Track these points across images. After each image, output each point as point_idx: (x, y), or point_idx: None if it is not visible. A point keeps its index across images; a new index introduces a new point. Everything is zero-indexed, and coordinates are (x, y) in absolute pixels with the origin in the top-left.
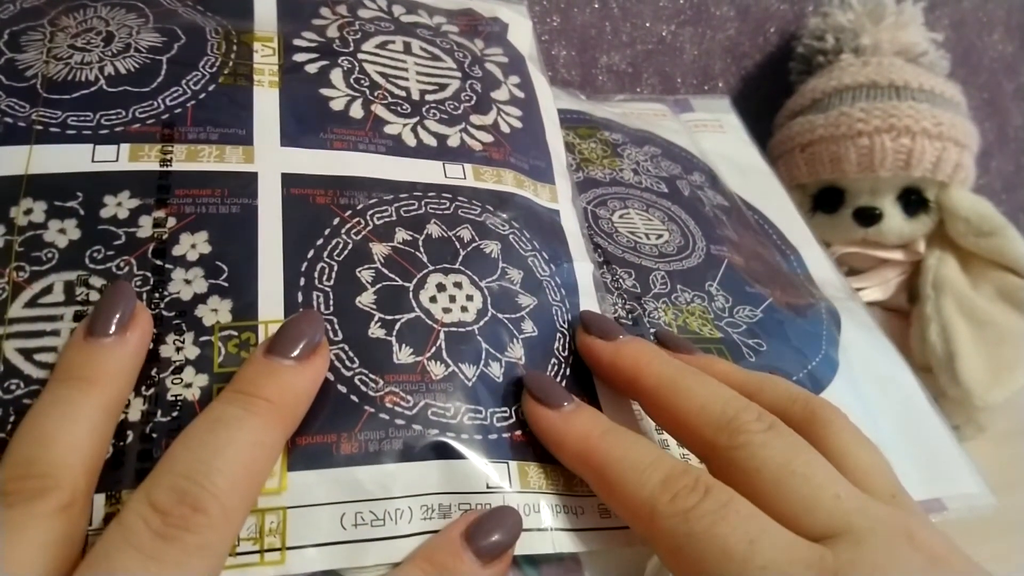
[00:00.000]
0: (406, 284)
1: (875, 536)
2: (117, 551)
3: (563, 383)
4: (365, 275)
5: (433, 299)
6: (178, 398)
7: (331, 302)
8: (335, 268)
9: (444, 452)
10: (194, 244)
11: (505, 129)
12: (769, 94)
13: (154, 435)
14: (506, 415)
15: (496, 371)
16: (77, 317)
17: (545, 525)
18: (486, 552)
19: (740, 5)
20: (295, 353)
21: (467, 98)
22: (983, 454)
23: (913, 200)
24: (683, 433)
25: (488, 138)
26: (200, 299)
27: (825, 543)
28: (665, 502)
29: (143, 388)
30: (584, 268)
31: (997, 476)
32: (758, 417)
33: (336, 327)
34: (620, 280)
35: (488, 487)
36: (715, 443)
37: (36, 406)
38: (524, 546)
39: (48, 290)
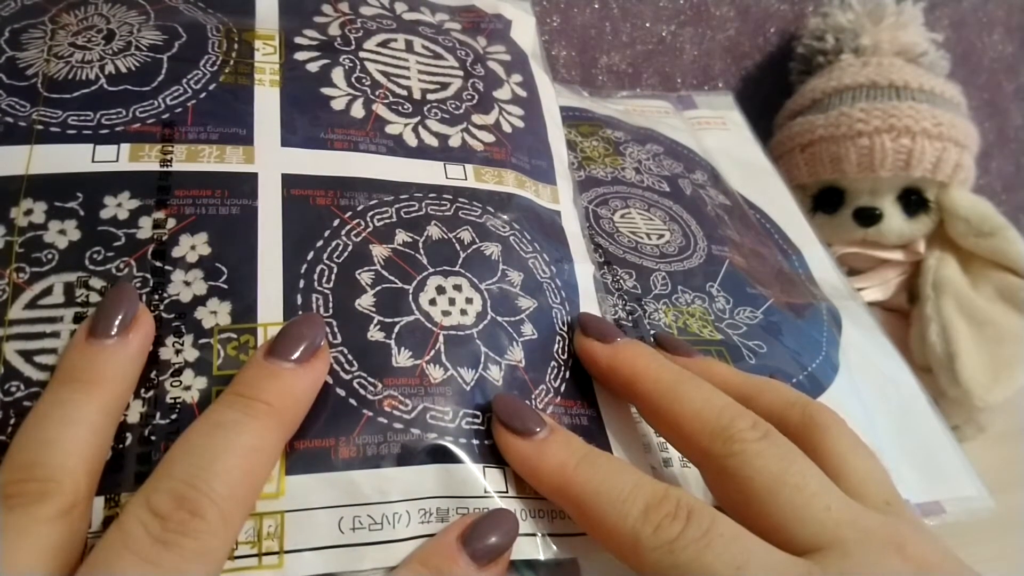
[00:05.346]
0: (406, 286)
1: (864, 548)
2: (116, 556)
3: (563, 386)
4: (365, 277)
5: (432, 302)
6: (177, 401)
7: (330, 305)
8: (335, 270)
9: (442, 456)
10: (194, 246)
11: (507, 129)
12: (769, 94)
13: (153, 438)
14: None
15: (495, 375)
16: (77, 319)
17: (541, 530)
18: (482, 555)
19: (740, 5)
20: (296, 356)
21: (469, 97)
22: (982, 454)
23: (913, 200)
24: (678, 439)
25: (490, 138)
26: (199, 301)
27: (814, 556)
28: (648, 534)
29: (142, 390)
30: (585, 270)
31: (996, 476)
32: (753, 425)
33: (335, 330)
34: (621, 281)
35: (485, 491)
36: (709, 451)
37: (37, 408)
38: (520, 551)
39: (48, 291)
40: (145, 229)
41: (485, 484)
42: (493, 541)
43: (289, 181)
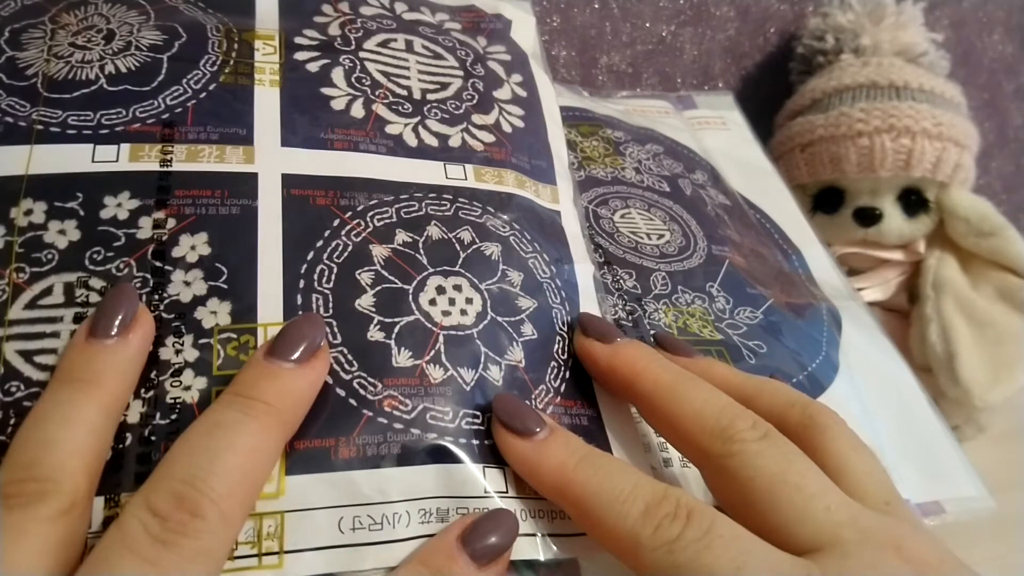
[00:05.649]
0: (405, 286)
1: (862, 549)
2: (116, 556)
3: (563, 386)
4: (365, 277)
5: (432, 302)
6: (177, 401)
7: (330, 305)
8: (335, 270)
9: (442, 456)
10: (194, 246)
11: (507, 129)
12: (769, 94)
13: (153, 438)
14: None
15: (495, 375)
16: (77, 319)
17: (541, 530)
18: (482, 555)
19: (740, 5)
20: (295, 356)
21: (469, 97)
22: (982, 454)
23: (913, 200)
24: (678, 439)
25: (490, 138)
26: (199, 301)
27: (813, 556)
28: (648, 534)
29: (142, 391)
30: (585, 270)
31: (996, 476)
32: (752, 425)
33: (335, 330)
34: (621, 281)
35: (486, 491)
36: (709, 450)
37: (37, 408)
38: (520, 551)
39: (48, 291)
40: (145, 229)
41: (485, 484)
42: (493, 541)
43: (289, 181)
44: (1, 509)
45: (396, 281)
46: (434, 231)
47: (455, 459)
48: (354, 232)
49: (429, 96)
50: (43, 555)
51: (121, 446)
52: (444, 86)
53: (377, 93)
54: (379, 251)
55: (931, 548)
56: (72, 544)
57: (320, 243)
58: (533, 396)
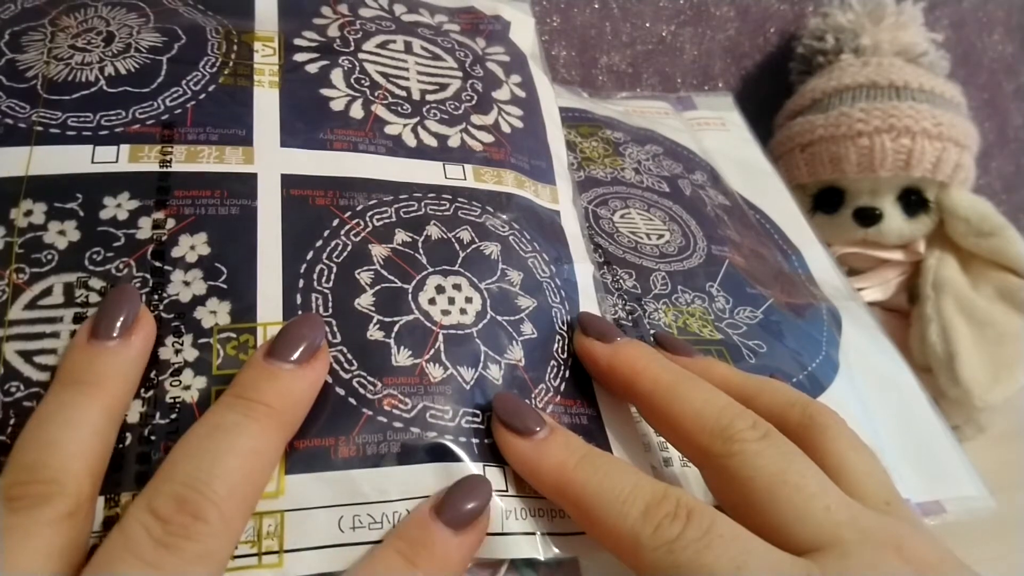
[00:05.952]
0: (405, 286)
1: (862, 548)
2: (119, 559)
3: (562, 385)
4: (364, 277)
5: (432, 301)
6: (176, 400)
7: (330, 304)
8: (334, 270)
9: (441, 455)
10: (193, 246)
11: (506, 129)
12: (769, 94)
13: (152, 437)
14: None
15: (495, 374)
16: (77, 319)
17: (541, 529)
18: (456, 521)
19: (740, 5)
20: (295, 357)
21: (468, 98)
22: (983, 455)
23: (913, 200)
24: (677, 439)
25: (489, 138)
26: (199, 301)
27: (813, 556)
28: (648, 534)
29: (142, 390)
30: (584, 269)
31: (996, 476)
32: (752, 425)
33: (335, 329)
34: (621, 281)
35: None
36: (709, 450)
37: (40, 410)
38: (520, 550)
39: (48, 292)
40: (144, 229)
41: None
42: (466, 505)
43: (288, 181)
44: (5, 511)
45: (395, 280)
46: (433, 231)
47: (455, 458)
48: (353, 232)
49: (428, 97)
50: (48, 558)
51: (121, 446)
52: (443, 87)
53: (376, 94)
54: (378, 251)
55: (931, 548)
56: (76, 546)
57: (319, 243)
58: (533, 395)
